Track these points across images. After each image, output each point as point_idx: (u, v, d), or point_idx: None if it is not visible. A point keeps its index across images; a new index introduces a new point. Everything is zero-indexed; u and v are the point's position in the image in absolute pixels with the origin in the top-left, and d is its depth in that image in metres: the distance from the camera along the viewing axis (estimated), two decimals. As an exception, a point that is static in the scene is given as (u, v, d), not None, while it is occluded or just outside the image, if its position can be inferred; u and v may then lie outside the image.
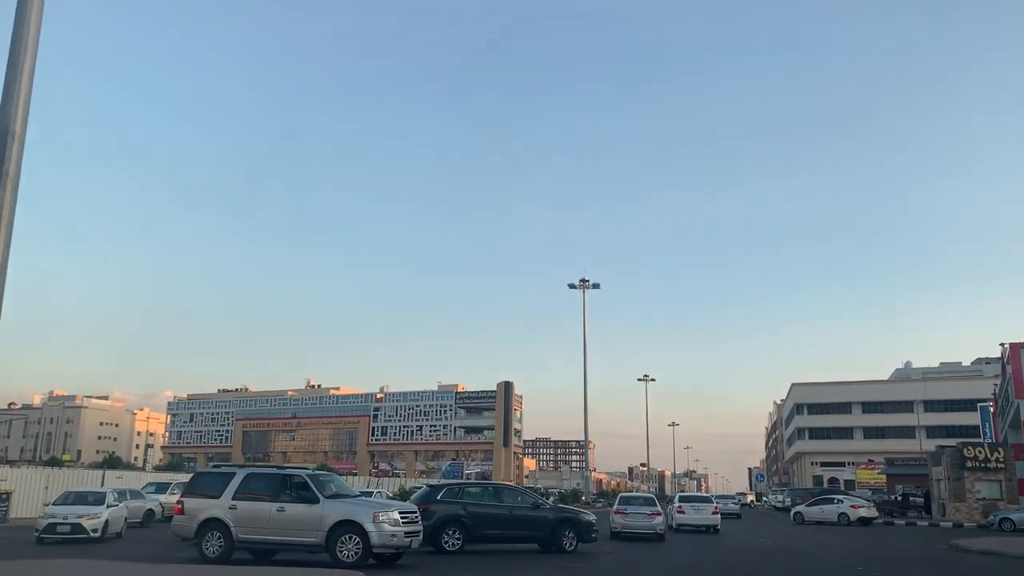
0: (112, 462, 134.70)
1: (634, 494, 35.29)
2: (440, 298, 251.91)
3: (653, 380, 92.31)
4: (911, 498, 54.86)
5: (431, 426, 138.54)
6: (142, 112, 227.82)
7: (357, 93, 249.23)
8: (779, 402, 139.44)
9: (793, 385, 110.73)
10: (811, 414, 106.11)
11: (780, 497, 64.54)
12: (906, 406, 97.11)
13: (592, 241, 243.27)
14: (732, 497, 61.65)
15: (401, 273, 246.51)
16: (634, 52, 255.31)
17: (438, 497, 21.46)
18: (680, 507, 33.89)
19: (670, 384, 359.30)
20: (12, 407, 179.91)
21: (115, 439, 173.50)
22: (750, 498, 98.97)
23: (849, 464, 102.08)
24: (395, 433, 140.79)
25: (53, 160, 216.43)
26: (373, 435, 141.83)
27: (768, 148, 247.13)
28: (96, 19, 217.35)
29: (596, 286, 64.82)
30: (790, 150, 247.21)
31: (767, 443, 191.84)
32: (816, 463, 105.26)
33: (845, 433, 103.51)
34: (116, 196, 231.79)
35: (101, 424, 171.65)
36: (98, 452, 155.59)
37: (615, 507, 28.74)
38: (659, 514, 27.51)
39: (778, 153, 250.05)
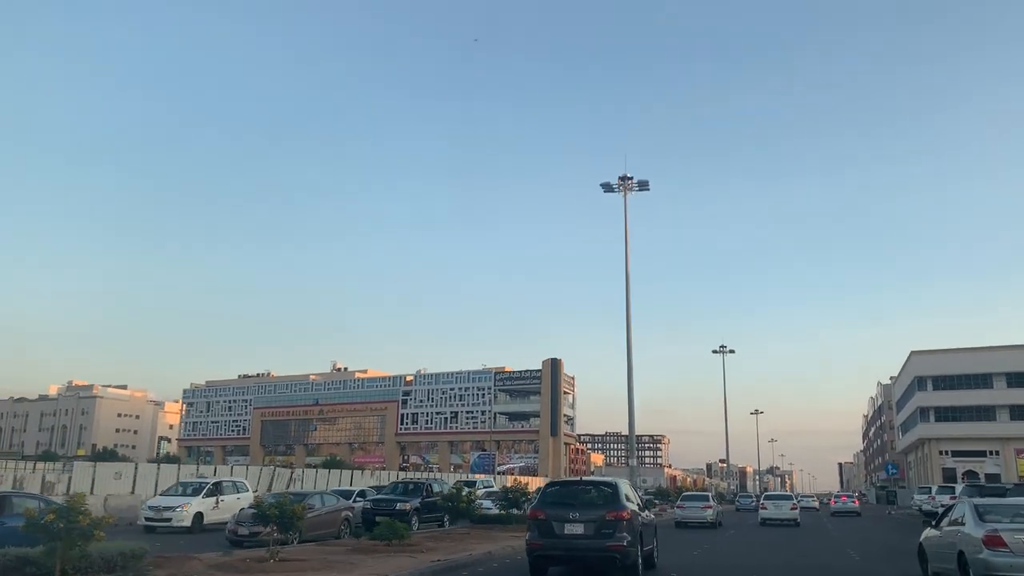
0: (106, 456, 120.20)
1: (776, 492, 56.77)
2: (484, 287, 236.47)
3: (732, 352, 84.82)
4: None
5: (468, 412, 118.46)
6: (146, 106, 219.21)
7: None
8: (887, 381, 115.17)
9: (912, 354, 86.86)
10: (937, 389, 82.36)
11: (946, 498, 39.62)
12: (1069, 376, 74.96)
13: (621, 217, 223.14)
14: (849, 495, 59.85)
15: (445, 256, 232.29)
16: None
17: None
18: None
19: (747, 382, 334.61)
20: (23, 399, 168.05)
21: (135, 432, 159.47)
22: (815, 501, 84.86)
23: (992, 453, 78.78)
24: (427, 420, 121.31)
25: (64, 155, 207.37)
26: (402, 423, 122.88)
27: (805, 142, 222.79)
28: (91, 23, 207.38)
29: (644, 185, 44.42)
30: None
31: (866, 433, 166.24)
32: (946, 452, 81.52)
33: (984, 413, 79.57)
34: (130, 183, 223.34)
35: (119, 416, 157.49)
36: (116, 446, 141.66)
37: (761, 502, 42.87)
38: (796, 507, 38.84)
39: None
